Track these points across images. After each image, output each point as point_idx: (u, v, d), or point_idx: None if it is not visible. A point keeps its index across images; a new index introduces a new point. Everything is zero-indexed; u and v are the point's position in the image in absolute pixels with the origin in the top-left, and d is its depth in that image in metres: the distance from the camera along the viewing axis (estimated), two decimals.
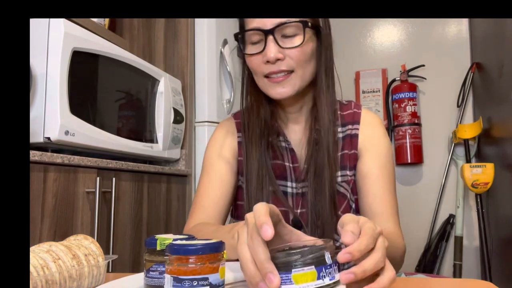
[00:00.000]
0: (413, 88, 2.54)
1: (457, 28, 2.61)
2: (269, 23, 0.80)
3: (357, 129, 0.90)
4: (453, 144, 2.48)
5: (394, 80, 2.63)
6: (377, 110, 2.67)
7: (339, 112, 0.92)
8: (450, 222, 2.46)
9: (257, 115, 0.89)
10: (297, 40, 0.81)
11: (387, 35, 2.75)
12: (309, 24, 0.82)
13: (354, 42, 2.74)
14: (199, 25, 1.93)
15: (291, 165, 0.89)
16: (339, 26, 2.87)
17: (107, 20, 1.74)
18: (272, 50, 0.80)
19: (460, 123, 2.46)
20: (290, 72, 0.82)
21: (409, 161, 2.49)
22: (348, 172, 0.88)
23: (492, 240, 2.16)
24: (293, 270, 0.49)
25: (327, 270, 0.49)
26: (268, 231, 0.46)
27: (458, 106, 2.52)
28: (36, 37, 1.17)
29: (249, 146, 0.89)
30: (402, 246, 0.81)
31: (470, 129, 2.28)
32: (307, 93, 0.89)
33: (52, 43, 1.17)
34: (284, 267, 0.49)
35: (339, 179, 0.88)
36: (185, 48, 1.88)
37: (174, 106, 1.72)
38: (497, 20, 1.99)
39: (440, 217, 2.50)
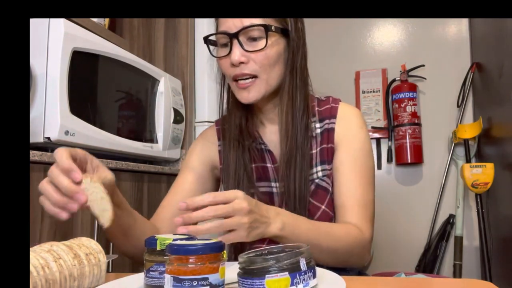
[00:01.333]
0: (413, 88, 2.54)
1: (457, 28, 2.60)
2: (234, 26, 0.82)
3: (334, 123, 0.91)
4: (453, 144, 2.48)
5: (394, 80, 2.62)
6: (377, 110, 2.67)
7: (316, 108, 0.93)
8: (450, 222, 2.46)
9: (234, 119, 0.91)
10: (261, 44, 0.82)
11: (387, 35, 2.75)
12: (273, 28, 0.82)
13: (354, 42, 2.73)
14: (199, 25, 1.93)
15: (272, 165, 0.91)
16: (339, 26, 2.88)
17: (107, 20, 1.74)
18: (236, 53, 0.81)
19: (460, 123, 2.46)
20: (255, 77, 0.83)
21: (409, 161, 2.48)
22: (327, 166, 0.89)
23: (492, 240, 2.16)
24: (266, 276, 0.49)
25: (301, 277, 0.50)
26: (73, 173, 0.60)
27: (458, 106, 2.52)
28: (36, 37, 1.17)
29: (227, 150, 0.91)
30: (348, 238, 0.79)
31: (470, 129, 2.28)
32: (269, 93, 0.89)
33: (52, 43, 1.17)
34: (258, 273, 0.49)
35: (320, 173, 0.89)
36: (185, 48, 1.88)
37: (174, 106, 1.72)
38: (497, 20, 1.99)
39: (440, 217, 2.50)
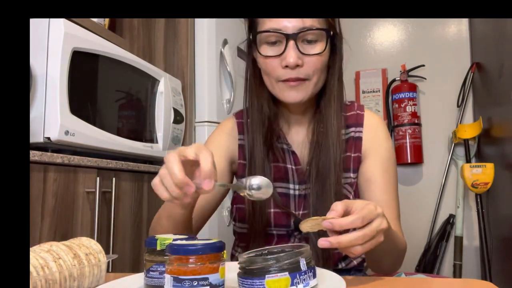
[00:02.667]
0: (413, 88, 2.54)
1: (457, 28, 2.61)
2: (290, 25, 0.78)
3: (361, 131, 0.90)
4: (453, 144, 2.48)
5: (394, 80, 2.63)
6: (377, 110, 2.67)
7: (342, 113, 0.91)
8: (450, 222, 2.46)
9: (261, 117, 0.88)
10: (318, 48, 0.80)
11: (387, 35, 2.75)
12: (331, 32, 0.81)
13: (354, 42, 2.72)
14: (199, 25, 1.93)
15: (293, 167, 0.89)
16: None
17: (107, 20, 1.74)
18: (292, 55, 0.78)
19: (460, 123, 2.46)
20: (305, 79, 0.81)
21: (409, 161, 2.49)
22: (351, 175, 0.89)
23: (492, 240, 2.16)
24: (266, 276, 0.49)
25: (301, 277, 0.50)
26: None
27: (458, 106, 2.52)
28: (36, 37, 1.17)
29: (253, 148, 0.87)
30: (404, 242, 0.83)
31: (470, 129, 2.28)
32: (313, 95, 0.88)
33: (52, 43, 1.17)
34: (258, 273, 0.49)
35: (342, 181, 0.87)
36: (185, 48, 1.88)
37: (174, 106, 1.72)
38: (497, 20, 1.99)
39: (440, 217, 2.50)
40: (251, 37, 0.85)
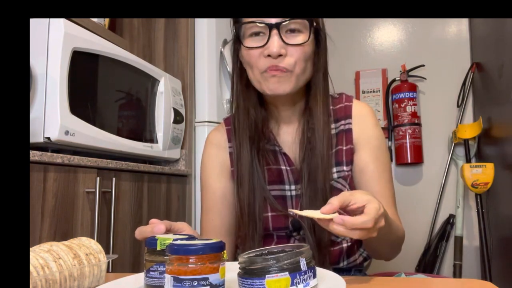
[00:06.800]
0: (413, 88, 2.54)
1: (457, 28, 2.60)
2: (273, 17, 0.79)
3: (350, 123, 0.90)
4: (453, 144, 2.48)
5: (394, 80, 2.62)
6: (377, 110, 2.67)
7: (331, 107, 0.91)
8: (450, 222, 2.46)
9: (248, 120, 0.87)
10: (301, 38, 0.80)
11: (387, 35, 2.75)
12: (314, 23, 0.81)
13: (354, 42, 2.73)
14: (199, 25, 1.93)
15: (287, 168, 0.89)
16: (339, 26, 2.87)
17: (107, 20, 1.74)
18: (275, 44, 0.78)
19: (460, 123, 2.46)
20: (288, 70, 0.81)
21: (409, 161, 2.48)
22: (344, 168, 0.88)
23: (492, 240, 2.16)
24: (267, 276, 0.49)
25: (301, 277, 0.50)
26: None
27: (458, 106, 2.52)
28: (36, 37, 1.17)
29: (240, 152, 0.87)
30: (401, 229, 0.86)
31: (470, 129, 2.28)
32: (300, 91, 0.88)
33: (52, 43, 1.17)
34: (258, 273, 0.49)
35: (335, 175, 0.87)
36: (185, 48, 1.88)
37: (174, 106, 1.72)
38: (497, 20, 1.99)
39: (440, 217, 2.50)
40: (235, 30, 0.85)
